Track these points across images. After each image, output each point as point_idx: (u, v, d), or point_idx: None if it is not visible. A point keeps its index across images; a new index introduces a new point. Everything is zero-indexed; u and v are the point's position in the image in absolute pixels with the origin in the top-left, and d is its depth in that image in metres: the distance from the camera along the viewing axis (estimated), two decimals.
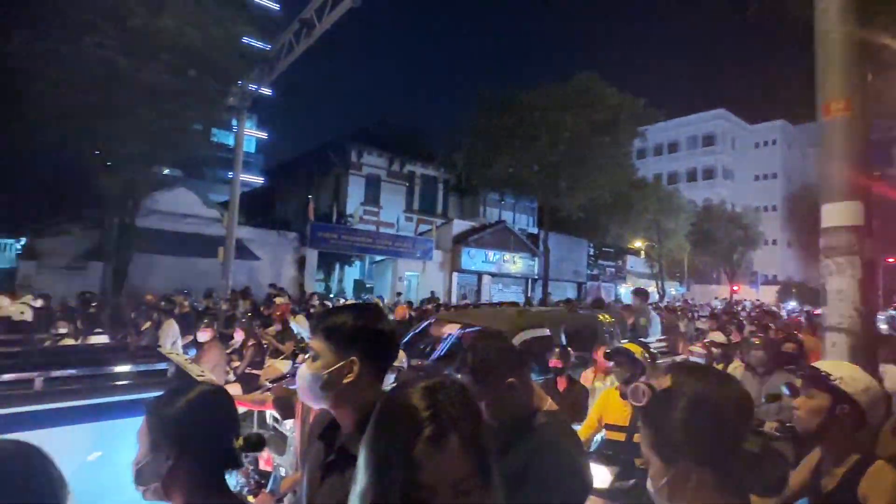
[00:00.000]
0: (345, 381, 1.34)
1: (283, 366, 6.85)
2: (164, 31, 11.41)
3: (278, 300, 10.51)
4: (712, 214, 37.60)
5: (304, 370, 1.38)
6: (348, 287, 22.84)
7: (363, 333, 1.37)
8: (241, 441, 1.38)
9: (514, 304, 14.23)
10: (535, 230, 29.12)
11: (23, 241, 15.17)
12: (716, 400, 1.12)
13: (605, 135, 21.64)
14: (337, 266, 23.23)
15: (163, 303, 7.59)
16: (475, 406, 0.87)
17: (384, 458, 0.79)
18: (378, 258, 23.06)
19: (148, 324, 7.10)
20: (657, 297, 29.66)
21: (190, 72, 12.02)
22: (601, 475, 2.87)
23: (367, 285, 22.75)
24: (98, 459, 3.08)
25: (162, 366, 3.78)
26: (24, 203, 14.87)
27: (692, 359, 5.04)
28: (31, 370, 3.15)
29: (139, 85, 11.63)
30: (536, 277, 26.54)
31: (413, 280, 22.70)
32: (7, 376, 3.11)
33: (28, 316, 5.06)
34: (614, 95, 22.00)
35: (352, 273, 24.03)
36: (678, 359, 5.60)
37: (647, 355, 3.51)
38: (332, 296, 18.81)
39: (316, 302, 12.75)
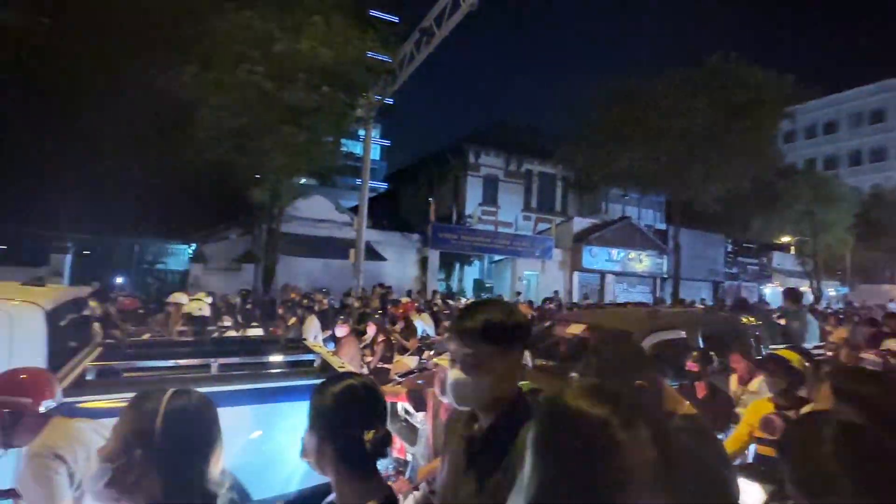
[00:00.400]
0: (489, 377, 1.36)
1: (410, 361, 7.17)
2: (302, 54, 12.56)
3: (403, 299, 11.05)
4: (884, 202, 32.23)
5: (459, 376, 1.38)
6: (468, 286, 23.26)
7: (504, 328, 1.38)
8: (370, 435, 1.42)
9: (643, 304, 13.46)
10: (663, 226, 27.26)
11: (193, 246, 17.63)
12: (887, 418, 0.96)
13: (744, 119, 19.58)
14: (457, 266, 23.76)
15: (304, 300, 8.35)
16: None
17: (570, 457, 0.81)
18: (497, 258, 23.17)
19: (293, 319, 7.88)
20: (811, 298, 26.17)
21: (323, 88, 13.09)
22: (753, 493, 2.62)
23: (487, 284, 22.96)
24: (259, 438, 3.50)
25: (310, 357, 4.21)
26: (194, 214, 17.33)
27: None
28: (209, 357, 3.70)
29: (282, 105, 12.95)
30: (665, 276, 24.84)
31: (532, 279, 22.47)
32: (191, 361, 3.68)
33: (206, 311, 5.90)
34: (756, 74, 19.82)
35: (471, 272, 24.42)
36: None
37: (806, 363, 3.13)
38: (453, 294, 19.31)
39: (439, 300, 13.17)
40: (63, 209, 16.12)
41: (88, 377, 3.12)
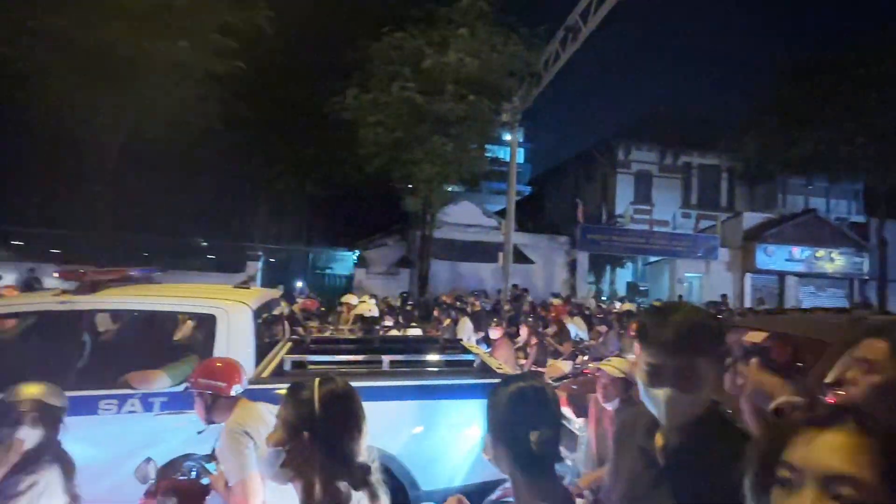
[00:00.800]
0: (700, 391, 1.24)
1: (564, 366, 7.02)
2: (449, 66, 13.11)
3: (554, 301, 10.87)
4: None
5: (670, 393, 1.23)
6: (621, 289, 22.10)
7: (713, 335, 1.25)
8: (535, 436, 1.41)
9: (844, 309, 11.50)
10: (860, 218, 23.07)
11: (357, 253, 19.38)
12: None
13: None
14: (608, 268, 22.73)
15: (458, 302, 8.66)
16: None
17: None
18: (652, 259, 21.68)
19: (447, 321, 8.24)
20: None
21: (469, 98, 13.50)
22: None
23: (641, 288, 21.59)
24: (424, 432, 3.70)
25: (469, 357, 4.35)
26: (356, 223, 19.09)
27: None
28: (380, 353, 4.02)
29: (431, 116, 13.65)
30: (866, 278, 20.97)
31: (695, 282, 20.56)
32: (365, 357, 4.04)
33: (374, 312, 6.45)
34: None
35: (624, 275, 23.16)
36: None
37: None
38: (604, 298, 18.50)
39: (592, 304, 12.70)
40: (254, 223, 18.87)
41: (285, 367, 3.60)
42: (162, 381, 3.22)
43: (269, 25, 12.93)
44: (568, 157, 27.79)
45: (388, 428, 3.43)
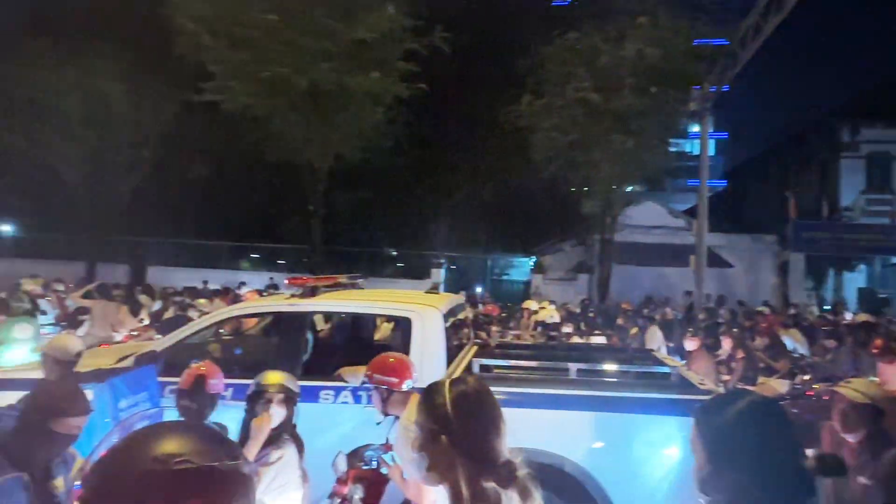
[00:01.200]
0: None
1: (779, 385, 6.08)
2: (627, 60, 12.41)
3: (764, 310, 9.49)
4: None
5: None
6: (850, 296, 18.36)
7: None
8: (813, 461, 1.19)
9: None
10: None
11: (533, 258, 19.41)
12: None
13: None
14: (831, 271, 19.13)
15: (645, 310, 8.07)
16: None
17: None
18: (894, 260, 17.67)
19: (634, 329, 7.71)
20: None
21: (651, 90, 12.59)
22: None
23: (881, 295, 17.68)
24: (614, 447, 3.48)
25: (663, 369, 3.99)
26: (532, 229, 19.17)
27: None
28: (565, 361, 3.93)
29: (609, 115, 13.05)
30: None
31: None
32: (551, 364, 3.98)
33: (556, 318, 6.37)
34: None
35: (854, 280, 19.27)
36: None
37: None
38: (826, 308, 15.55)
39: (815, 313, 10.80)
40: (437, 233, 20.15)
41: (474, 370, 3.72)
42: None
43: (446, 45, 13.73)
44: (772, 144, 24.33)
45: (576, 438, 3.31)
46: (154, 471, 0.71)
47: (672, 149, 16.04)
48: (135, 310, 8.09)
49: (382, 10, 12.88)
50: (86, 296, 7.81)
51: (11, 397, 2.89)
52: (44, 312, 7.81)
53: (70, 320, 7.71)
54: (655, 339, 7.33)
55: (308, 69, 12.46)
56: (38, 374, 3.34)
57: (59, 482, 2.04)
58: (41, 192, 18.10)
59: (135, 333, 6.98)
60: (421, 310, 3.79)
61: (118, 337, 6.82)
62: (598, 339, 6.69)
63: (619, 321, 8.53)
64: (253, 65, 12.46)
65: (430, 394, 1.48)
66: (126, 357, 3.86)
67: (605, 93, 12.85)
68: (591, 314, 9.22)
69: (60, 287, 10.23)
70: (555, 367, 3.89)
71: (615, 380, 3.82)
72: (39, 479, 1.95)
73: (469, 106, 17.69)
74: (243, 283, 12.85)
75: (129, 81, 15.38)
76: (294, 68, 12.36)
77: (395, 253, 21.24)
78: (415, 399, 2.68)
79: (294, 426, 2.62)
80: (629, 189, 17.43)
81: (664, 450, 3.33)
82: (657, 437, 3.35)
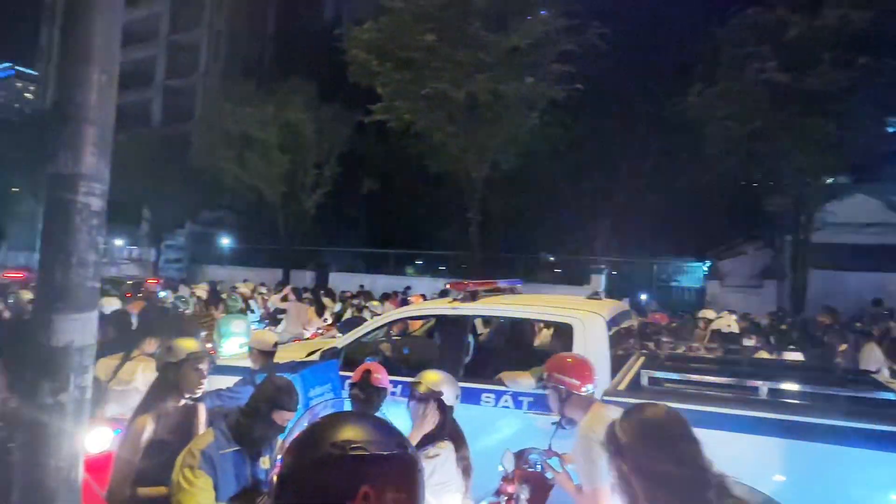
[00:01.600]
0: None
1: None
2: (826, 29, 10.61)
3: None
4: None
5: None
6: None
7: None
8: None
9: None
10: None
11: (707, 263, 17.52)
12: None
13: None
14: None
15: (857, 323, 6.73)
16: None
17: None
18: None
19: (843, 345, 6.45)
20: None
21: (860, 60, 10.54)
22: None
23: None
24: (827, 485, 2.92)
25: (888, 396, 3.27)
26: (706, 231, 17.31)
27: None
28: (752, 378, 3.43)
29: (801, 96, 11.23)
30: None
31: None
32: (735, 381, 3.50)
33: (734, 328, 5.65)
34: None
35: None
36: None
37: None
38: None
39: None
40: (596, 237, 19.33)
41: (642, 382, 3.44)
42: (530, 383, 3.52)
43: (603, 42, 13.13)
44: None
45: (775, 470, 2.88)
46: (332, 454, 0.80)
47: (891, 129, 13.26)
48: (320, 311, 9.19)
49: (535, 14, 12.82)
50: (283, 299, 9.10)
51: (230, 381, 3.48)
52: (252, 311, 9.25)
53: (271, 318, 9.07)
54: (874, 359, 6.05)
55: (464, 81, 12.93)
56: (247, 363, 3.95)
57: (266, 460, 2.41)
58: (250, 210, 21.80)
59: (320, 332, 7.90)
60: (583, 316, 3.64)
61: (307, 334, 7.78)
62: (794, 356, 5.74)
63: (824, 335, 7.19)
64: (414, 83, 13.34)
65: (623, 419, 1.51)
66: (313, 352, 4.36)
67: (795, 71, 11.12)
68: (783, 326, 7.95)
69: (264, 290, 12.17)
70: (739, 384, 3.43)
71: (821, 403, 3.23)
72: (252, 455, 2.32)
73: (629, 102, 16.71)
74: (409, 288, 13.73)
75: (313, 110, 17.83)
76: (451, 82, 12.93)
77: (552, 258, 20.87)
78: (598, 411, 2.54)
79: (454, 422, 2.67)
80: (830, 181, 14.84)
81: (890, 493, 2.74)
82: (880, 477, 2.76)
